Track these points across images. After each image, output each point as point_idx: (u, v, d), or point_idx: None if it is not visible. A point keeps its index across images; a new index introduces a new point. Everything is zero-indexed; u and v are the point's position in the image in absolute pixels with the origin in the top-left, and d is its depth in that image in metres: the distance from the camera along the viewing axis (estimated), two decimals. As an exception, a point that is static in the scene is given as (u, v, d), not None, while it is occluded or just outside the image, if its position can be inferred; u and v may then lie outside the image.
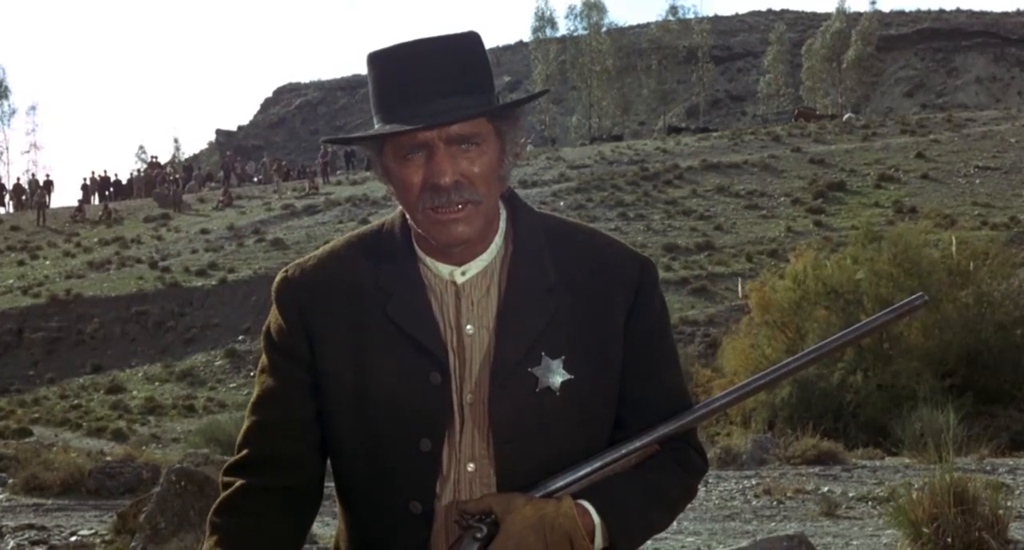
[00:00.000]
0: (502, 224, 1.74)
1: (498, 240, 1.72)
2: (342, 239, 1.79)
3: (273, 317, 1.76)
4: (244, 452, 1.75)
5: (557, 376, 1.66)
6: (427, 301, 1.69)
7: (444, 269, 1.71)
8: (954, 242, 18.02)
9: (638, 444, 1.68)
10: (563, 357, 1.67)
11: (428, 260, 1.72)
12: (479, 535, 1.59)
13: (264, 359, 1.77)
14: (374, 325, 1.69)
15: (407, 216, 1.71)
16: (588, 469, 1.65)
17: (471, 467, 1.67)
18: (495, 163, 1.66)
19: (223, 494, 1.75)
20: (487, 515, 1.61)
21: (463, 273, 1.70)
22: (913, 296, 1.79)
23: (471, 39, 1.67)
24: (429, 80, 1.62)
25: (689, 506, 1.78)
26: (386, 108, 1.64)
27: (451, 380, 1.67)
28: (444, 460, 1.66)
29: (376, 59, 1.66)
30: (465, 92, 1.63)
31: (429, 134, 1.61)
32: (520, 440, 1.65)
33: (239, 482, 1.73)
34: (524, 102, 1.72)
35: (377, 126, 1.66)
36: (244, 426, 1.77)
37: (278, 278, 1.77)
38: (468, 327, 1.68)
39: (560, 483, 1.64)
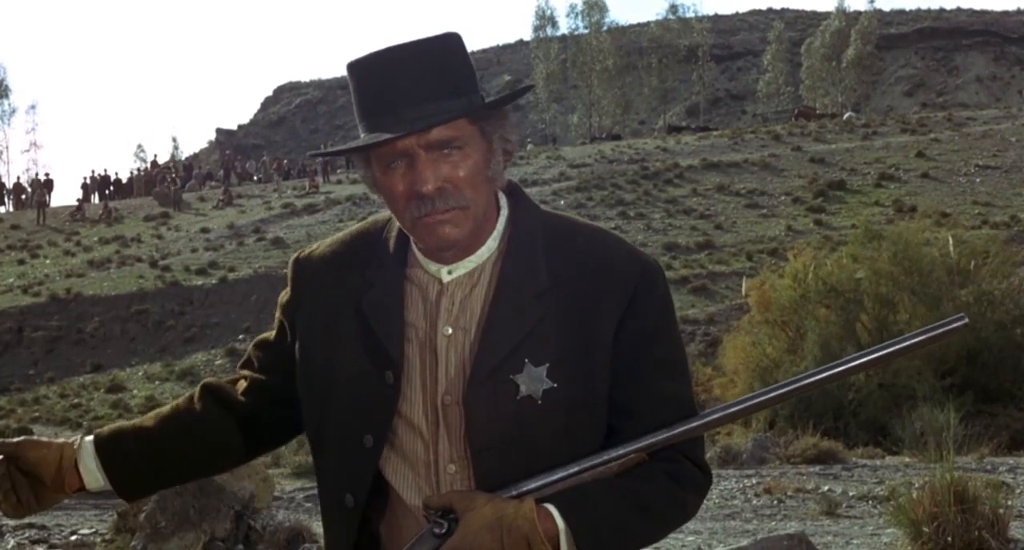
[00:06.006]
0: (500, 224, 1.69)
1: (491, 241, 1.68)
2: (357, 225, 1.82)
3: (284, 289, 1.85)
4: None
5: (540, 384, 1.60)
6: (402, 298, 1.68)
7: (433, 267, 1.69)
8: (951, 241, 17.99)
9: (621, 452, 1.61)
10: (547, 365, 1.61)
11: (420, 257, 1.70)
12: (438, 531, 1.58)
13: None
14: (348, 316, 1.70)
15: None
16: (563, 473, 1.59)
17: (452, 469, 1.64)
18: (481, 165, 1.62)
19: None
20: (449, 511, 1.58)
21: (449, 272, 1.67)
22: (952, 317, 1.64)
23: (449, 41, 1.63)
24: (407, 86, 1.58)
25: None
26: (368, 117, 1.61)
27: (410, 381, 1.66)
28: (428, 458, 1.65)
29: (355, 68, 1.63)
30: (445, 96, 1.59)
31: (408, 141, 1.57)
32: (499, 447, 1.61)
33: (205, 380, 1.94)
34: (503, 102, 1.66)
35: (362, 136, 1.64)
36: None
37: (292, 257, 1.84)
38: (446, 328, 1.66)
39: (531, 485, 1.59)
